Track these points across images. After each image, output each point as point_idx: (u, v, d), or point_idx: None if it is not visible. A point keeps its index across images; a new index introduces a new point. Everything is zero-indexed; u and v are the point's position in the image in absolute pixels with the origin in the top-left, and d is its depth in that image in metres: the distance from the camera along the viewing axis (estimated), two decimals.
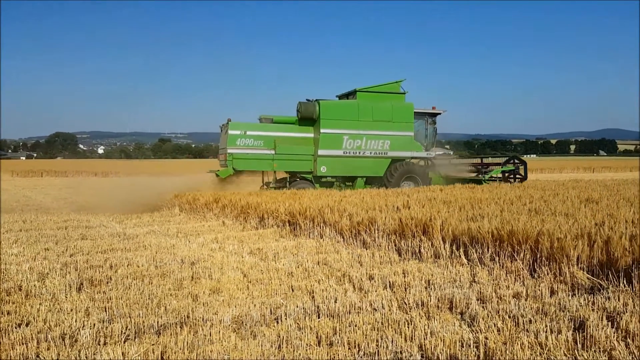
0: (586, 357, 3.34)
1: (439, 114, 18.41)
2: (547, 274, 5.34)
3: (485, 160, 19.78)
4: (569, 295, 4.72)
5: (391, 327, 3.96)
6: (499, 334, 3.78)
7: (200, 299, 4.89)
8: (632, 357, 3.31)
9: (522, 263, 5.67)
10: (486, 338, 3.67)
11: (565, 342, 3.57)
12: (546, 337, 3.61)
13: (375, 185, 16.77)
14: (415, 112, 17.59)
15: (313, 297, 4.85)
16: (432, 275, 5.61)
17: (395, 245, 7.17)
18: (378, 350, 3.51)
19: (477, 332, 3.83)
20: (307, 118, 16.86)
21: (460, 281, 5.37)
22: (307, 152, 16.76)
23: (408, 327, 3.91)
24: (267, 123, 17.07)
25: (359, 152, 16.86)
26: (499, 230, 6.15)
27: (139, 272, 6.03)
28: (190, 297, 4.95)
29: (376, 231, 7.56)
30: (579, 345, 3.53)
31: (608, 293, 4.64)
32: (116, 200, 15.24)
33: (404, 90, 17.71)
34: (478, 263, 6.06)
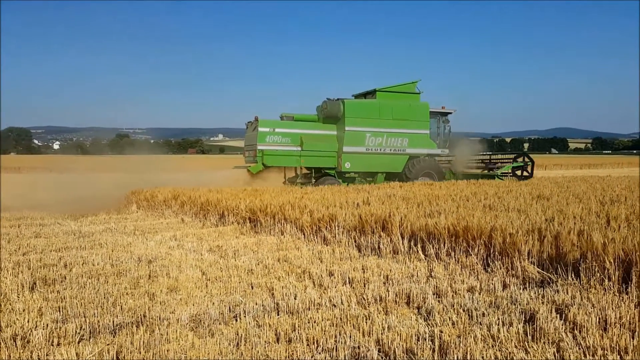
0: (535, 349, 3.46)
1: (450, 113, 19.27)
2: (500, 268, 5.51)
3: (494, 157, 20.83)
4: (520, 289, 4.88)
5: (350, 323, 4.00)
6: (453, 328, 3.88)
7: (158, 297, 4.83)
8: (579, 348, 3.45)
9: (477, 258, 5.83)
10: (441, 331, 3.76)
11: (516, 334, 3.69)
12: (498, 330, 3.73)
13: (394, 180, 17.46)
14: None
15: (273, 294, 4.86)
16: (390, 270, 5.69)
17: (355, 242, 7.24)
18: (336, 346, 3.55)
19: (433, 326, 3.92)
20: (332, 116, 17.55)
21: (417, 276, 5.48)
22: (331, 149, 17.47)
23: (366, 322, 3.97)
24: (289, 121, 17.67)
25: (380, 149, 17.68)
26: (454, 226, 6.30)
27: (94, 271, 5.90)
28: (147, 296, 4.88)
29: (337, 227, 7.61)
30: (529, 337, 3.66)
31: (557, 286, 4.82)
32: (73, 198, 14.83)
33: (419, 90, 18.58)
34: (435, 258, 6.20)
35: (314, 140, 17.28)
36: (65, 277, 5.59)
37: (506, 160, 20.00)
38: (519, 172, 19.33)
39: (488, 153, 21.87)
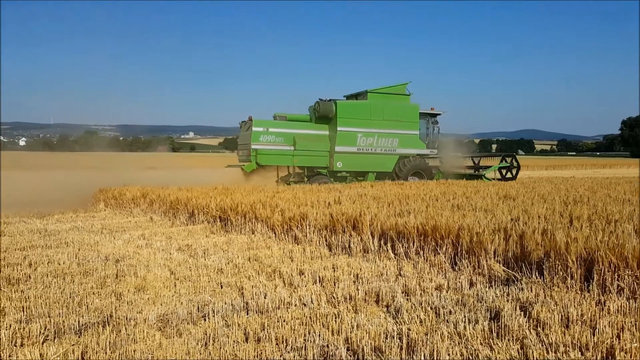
0: (500, 346, 3.53)
1: (439, 114, 19.82)
2: (467, 267, 5.61)
3: (480, 158, 21.47)
4: (486, 287, 4.98)
5: (319, 322, 4.02)
6: (421, 325, 3.93)
7: (125, 297, 4.76)
8: (542, 345, 3.54)
9: (445, 256, 5.92)
10: (409, 329, 3.81)
11: (481, 331, 3.76)
12: (464, 327, 3.80)
13: (384, 179, 17.92)
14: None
15: (242, 293, 4.84)
16: (360, 269, 5.73)
17: (326, 241, 7.26)
18: (305, 345, 3.55)
19: (401, 324, 3.97)
20: (324, 117, 17.89)
21: (387, 275, 5.53)
22: (323, 149, 17.82)
23: (335, 321, 3.99)
24: (282, 120, 17.98)
25: (371, 149, 18.16)
26: (423, 226, 6.38)
27: (60, 270, 5.78)
28: (113, 296, 4.81)
29: (308, 226, 7.62)
30: (494, 335, 3.73)
31: (521, 284, 4.93)
32: (39, 195, 14.48)
33: (410, 92, 19.09)
34: (404, 257, 6.27)
35: (307, 140, 17.61)
36: (29, 277, 5.47)
37: (494, 157, 20.74)
38: (508, 174, 20.01)
39: (477, 155, 22.46)
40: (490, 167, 20.02)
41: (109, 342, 3.58)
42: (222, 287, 5.11)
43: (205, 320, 4.12)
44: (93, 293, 4.88)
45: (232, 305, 4.44)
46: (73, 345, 3.55)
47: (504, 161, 20.32)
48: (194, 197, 10.64)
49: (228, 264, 6.10)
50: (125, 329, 3.86)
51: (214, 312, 4.26)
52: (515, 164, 20.03)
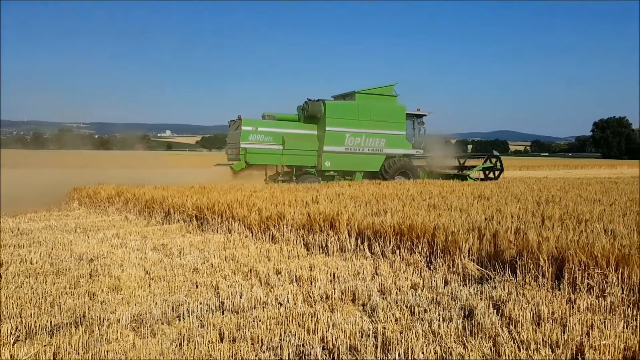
0: (473, 344, 3.58)
1: (425, 115, 20.15)
2: (442, 266, 5.68)
3: (464, 159, 21.91)
4: (460, 285, 5.05)
5: (295, 321, 4.02)
6: (396, 324, 3.97)
7: (98, 297, 4.70)
8: (514, 343, 3.60)
9: (420, 255, 5.98)
10: (384, 328, 3.84)
11: (455, 329, 3.82)
12: (439, 326, 3.84)
13: (371, 178, 18.25)
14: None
15: (218, 293, 4.81)
16: (337, 268, 5.75)
17: (303, 240, 7.27)
18: (281, 345, 3.56)
19: (377, 323, 4.00)
20: (313, 116, 18.11)
21: (363, 274, 5.56)
22: (312, 148, 17.98)
23: (311, 320, 4.00)
24: (270, 120, 18.14)
25: (359, 149, 18.41)
26: (400, 225, 6.44)
27: (32, 270, 5.68)
28: (87, 296, 4.74)
29: (285, 226, 7.62)
30: (468, 333, 3.78)
31: (495, 283, 5.01)
32: (12, 193, 14.16)
33: (396, 93, 19.39)
34: (381, 256, 6.31)
35: (296, 140, 17.77)
36: (0, 276, 5.36)
37: (478, 158, 21.15)
38: (491, 175, 20.50)
39: (462, 155, 22.86)
40: (475, 167, 20.41)
41: (82, 343, 3.53)
42: (197, 286, 5.08)
43: (180, 320, 4.09)
44: (66, 293, 4.81)
45: (207, 305, 4.42)
46: (45, 345, 3.49)
47: (488, 162, 20.68)
48: (169, 196, 10.54)
49: (204, 263, 6.07)
50: (99, 329, 3.82)
51: (188, 312, 4.23)
52: (499, 165, 20.42)
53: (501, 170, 20.49)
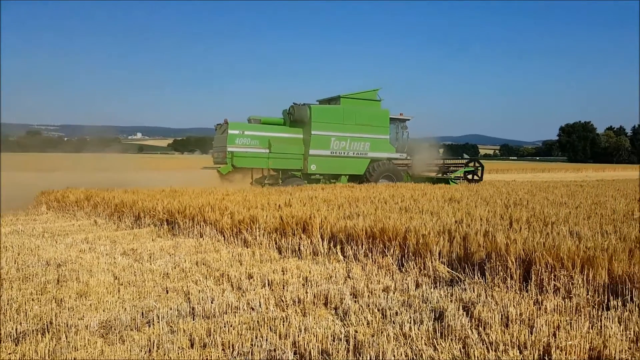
0: (444, 346, 3.63)
1: (408, 119, 20.48)
2: (414, 268, 5.73)
3: (447, 162, 22.49)
4: (431, 288, 5.10)
5: (267, 326, 4.01)
6: (368, 327, 3.99)
7: (66, 303, 4.59)
8: (483, 344, 3.66)
9: (392, 258, 6.03)
10: (356, 331, 3.86)
11: (426, 332, 3.86)
12: (410, 328, 3.88)
13: (356, 181, 18.46)
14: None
15: (189, 298, 4.76)
16: (310, 272, 5.75)
17: (276, 244, 7.24)
18: (252, 350, 3.54)
19: (349, 326, 4.01)
20: (299, 120, 18.28)
21: (336, 277, 5.57)
22: (298, 152, 18.14)
23: (283, 325, 3.99)
24: (256, 124, 18.28)
25: (344, 153, 18.58)
26: (372, 228, 6.48)
27: None
28: (54, 302, 4.63)
29: (257, 229, 7.58)
30: (438, 335, 3.83)
31: (465, 285, 5.08)
32: None
33: (380, 97, 19.68)
34: (353, 259, 6.34)
35: (282, 143, 17.90)
36: None
37: (459, 165, 21.61)
38: (470, 176, 20.87)
39: (443, 158, 23.22)
40: (457, 170, 20.89)
41: (48, 350, 3.46)
42: (167, 292, 5.01)
43: (149, 326, 4.03)
44: (32, 299, 4.69)
45: (177, 310, 4.37)
46: (10, 353, 3.41)
47: (469, 165, 21.36)
48: (140, 200, 10.38)
49: (174, 268, 5.99)
50: (66, 336, 3.74)
51: (158, 317, 4.17)
52: (477, 165, 21.05)
53: (482, 167, 20.99)
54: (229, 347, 3.61)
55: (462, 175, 20.76)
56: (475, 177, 20.87)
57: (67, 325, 3.97)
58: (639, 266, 4.61)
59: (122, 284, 5.28)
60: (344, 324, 4.09)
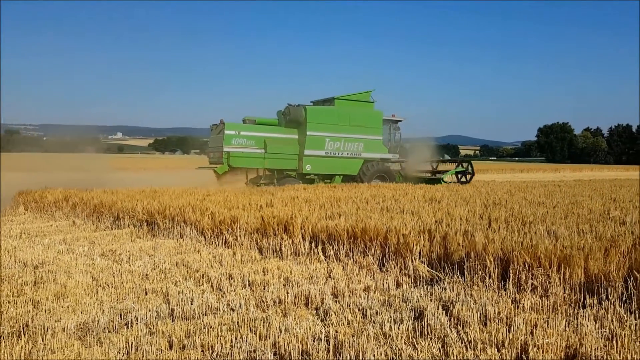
0: (423, 345, 3.65)
1: (400, 121, 20.86)
2: (394, 268, 5.76)
3: (437, 163, 22.55)
4: (411, 287, 5.14)
5: (247, 326, 3.99)
6: (348, 327, 4.00)
7: (43, 305, 4.52)
8: (462, 343, 3.69)
9: (373, 258, 6.05)
10: (336, 331, 3.86)
11: (406, 331, 3.88)
12: (390, 328, 3.90)
13: (350, 181, 18.76)
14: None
15: (168, 299, 4.72)
16: (291, 272, 5.74)
17: (257, 244, 7.22)
18: (232, 351, 3.52)
19: (329, 326, 4.01)
20: (294, 121, 18.61)
21: (317, 277, 5.57)
22: (293, 152, 18.38)
23: (264, 326, 3.98)
24: (251, 124, 18.59)
25: (338, 153, 18.91)
26: (353, 228, 6.50)
27: None
28: (31, 304, 4.56)
29: (238, 230, 7.55)
30: (418, 334, 3.85)
31: (444, 284, 5.12)
32: None
33: (373, 99, 20.02)
34: (334, 259, 6.34)
35: (277, 144, 18.15)
36: None
37: (460, 164, 21.90)
38: (463, 179, 21.20)
39: (435, 160, 23.49)
40: (448, 171, 21.19)
41: (24, 353, 3.41)
42: (146, 293, 4.97)
43: (127, 328, 3.99)
44: (8, 301, 4.61)
45: (156, 312, 4.33)
46: None
47: (460, 166, 21.66)
48: (119, 200, 10.26)
49: (154, 269, 5.94)
50: (42, 338, 3.68)
51: (137, 319, 4.13)
52: (470, 169, 21.35)
53: (472, 174, 21.34)
54: (209, 348, 3.58)
55: (453, 175, 21.17)
56: (463, 179, 21.21)
57: (43, 328, 3.90)
58: (615, 265, 4.69)
59: (100, 286, 5.22)
60: (325, 324, 4.09)
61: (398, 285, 5.29)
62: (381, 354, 3.49)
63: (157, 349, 3.56)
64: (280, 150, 18.17)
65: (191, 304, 4.51)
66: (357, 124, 19.20)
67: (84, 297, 4.79)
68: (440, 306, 4.43)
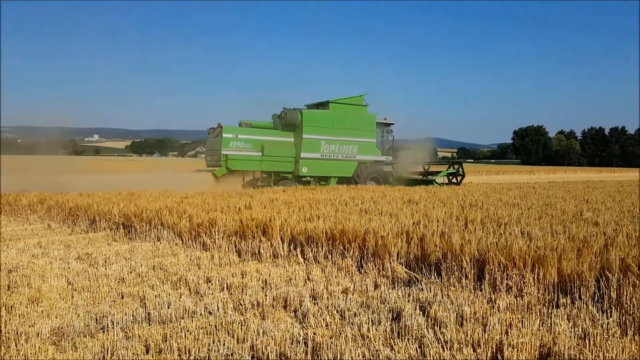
0: (400, 346, 3.68)
1: (392, 124, 21.32)
2: (373, 269, 5.80)
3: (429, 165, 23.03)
4: (389, 288, 5.17)
5: (224, 330, 3.97)
6: (326, 329, 4.01)
7: (16, 310, 4.43)
8: (439, 343, 3.73)
9: (352, 260, 6.08)
10: (315, 333, 3.87)
11: (383, 332, 3.91)
12: (368, 329, 3.92)
13: (345, 183, 19.21)
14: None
15: (145, 303, 4.67)
16: (269, 275, 5.73)
17: (235, 247, 7.18)
18: (209, 355, 3.50)
19: (307, 328, 4.02)
20: (290, 124, 18.98)
21: (295, 280, 5.57)
22: (289, 155, 18.85)
23: (241, 329, 3.96)
24: (247, 127, 18.80)
25: (333, 155, 19.37)
26: (332, 230, 6.52)
27: None
28: (4, 309, 4.47)
29: (217, 232, 7.51)
30: (395, 335, 3.88)
31: (422, 285, 5.17)
32: None
33: (366, 102, 20.47)
34: (313, 261, 6.35)
35: (274, 147, 18.52)
36: None
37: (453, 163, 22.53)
38: (454, 180, 21.63)
39: (426, 162, 23.81)
40: (440, 172, 21.56)
41: None
42: (123, 297, 4.91)
43: (103, 332, 3.94)
44: None
45: (133, 316, 4.28)
46: None
47: (451, 168, 22.18)
48: (95, 203, 10.12)
49: (130, 273, 5.87)
50: (16, 344, 3.61)
51: (113, 323, 4.08)
52: (460, 171, 21.78)
53: (463, 176, 21.83)
54: (186, 352, 3.56)
55: (445, 177, 21.57)
56: (454, 181, 21.68)
57: (17, 333, 3.83)
58: (587, 265, 4.79)
59: (75, 290, 5.15)
60: (303, 327, 4.09)
61: (376, 286, 5.33)
62: (359, 355, 3.51)
63: (134, 353, 3.52)
64: (277, 153, 18.54)
65: (168, 307, 4.47)
66: (352, 127, 19.64)
67: (58, 301, 4.72)
68: (417, 307, 4.47)
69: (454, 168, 22.06)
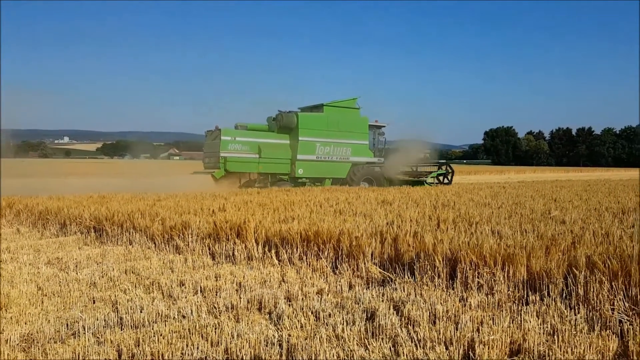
0: (375, 345, 3.71)
1: (384, 126, 21.92)
2: (347, 270, 5.83)
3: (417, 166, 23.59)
4: (364, 289, 5.21)
5: (198, 333, 3.95)
6: (301, 330, 4.02)
7: None
8: (412, 342, 3.77)
9: (326, 261, 6.10)
10: (289, 335, 3.88)
11: (358, 332, 3.93)
12: (342, 330, 3.94)
13: (339, 184, 19.61)
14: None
15: (117, 308, 4.61)
16: (244, 277, 5.70)
17: (209, 249, 7.13)
18: (182, 358, 3.48)
19: (282, 330, 4.02)
20: (286, 127, 19.48)
21: (270, 282, 5.56)
22: (286, 156, 19.14)
23: (215, 332, 3.94)
24: (243, 130, 19.19)
25: (328, 157, 19.93)
26: (306, 231, 6.53)
27: None
28: None
29: (190, 235, 7.44)
30: (370, 334, 3.91)
31: (395, 285, 5.22)
32: None
33: (359, 105, 20.97)
34: (288, 263, 6.35)
35: (271, 149, 18.96)
36: None
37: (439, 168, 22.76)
38: (444, 180, 22.14)
39: (415, 163, 24.11)
40: (430, 173, 21.95)
41: None
42: (94, 302, 4.84)
43: (74, 338, 3.87)
44: None
45: (105, 321, 4.22)
46: None
47: (440, 169, 22.66)
48: (65, 207, 9.93)
49: (102, 277, 5.78)
50: None
51: (84, 329, 4.02)
52: (449, 169, 22.37)
53: (452, 172, 22.41)
54: (159, 356, 3.52)
55: (435, 177, 21.99)
56: (445, 181, 22.11)
57: None
58: (555, 263, 4.91)
59: (46, 295, 5.05)
60: (278, 328, 4.10)
61: (351, 287, 5.36)
62: (333, 355, 3.53)
63: (106, 359, 3.47)
64: (274, 155, 18.93)
65: (141, 311, 4.42)
66: (345, 129, 20.14)
67: (28, 307, 4.62)
68: (391, 306, 4.51)
69: (442, 169, 22.56)
